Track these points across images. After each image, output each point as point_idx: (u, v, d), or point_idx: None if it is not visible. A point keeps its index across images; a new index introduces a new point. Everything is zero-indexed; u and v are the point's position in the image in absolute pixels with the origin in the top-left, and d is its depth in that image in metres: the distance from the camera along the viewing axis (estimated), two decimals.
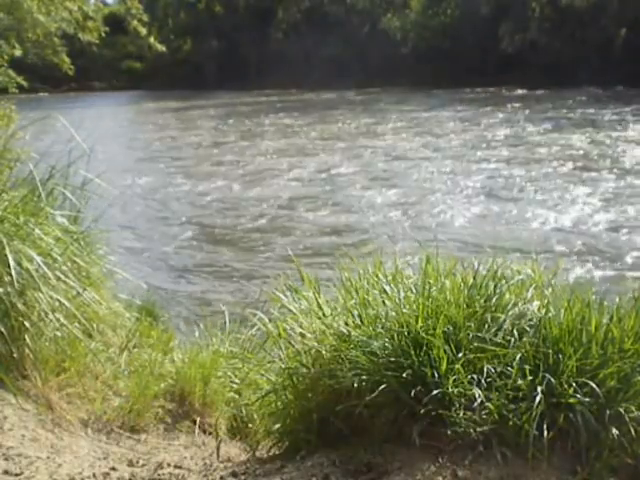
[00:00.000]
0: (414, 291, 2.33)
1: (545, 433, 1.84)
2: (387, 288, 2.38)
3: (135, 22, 12.43)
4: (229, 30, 49.86)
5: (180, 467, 2.48)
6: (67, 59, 12.07)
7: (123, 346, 3.28)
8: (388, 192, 13.05)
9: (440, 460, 1.90)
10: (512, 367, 1.99)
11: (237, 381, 3.25)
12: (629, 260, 8.53)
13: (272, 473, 2.18)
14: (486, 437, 1.90)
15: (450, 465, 1.87)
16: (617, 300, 2.21)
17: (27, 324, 2.59)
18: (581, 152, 16.66)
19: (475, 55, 41.07)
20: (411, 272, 2.53)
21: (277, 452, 2.46)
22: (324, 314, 2.40)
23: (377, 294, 2.37)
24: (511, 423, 1.89)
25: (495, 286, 2.31)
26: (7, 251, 2.52)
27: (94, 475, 2.18)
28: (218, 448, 2.72)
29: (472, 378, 1.98)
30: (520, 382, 1.95)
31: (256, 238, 10.42)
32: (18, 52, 10.90)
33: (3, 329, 2.51)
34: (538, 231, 10.04)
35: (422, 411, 1.96)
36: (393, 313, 2.20)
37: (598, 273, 8.00)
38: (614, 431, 1.86)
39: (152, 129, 26.06)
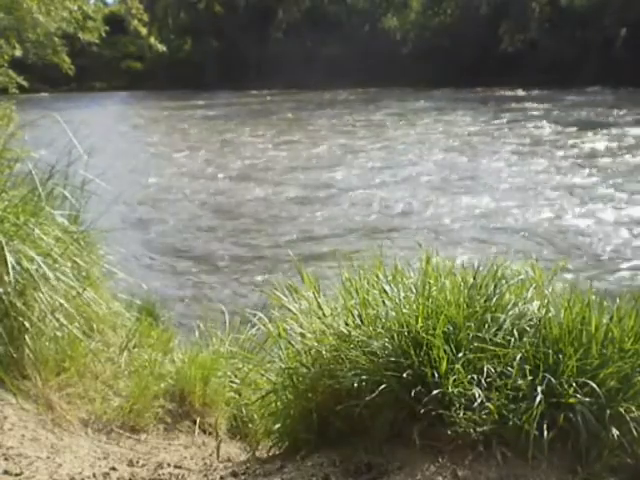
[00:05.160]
0: (414, 291, 2.33)
1: (545, 433, 1.84)
2: (387, 288, 2.38)
3: (136, 22, 12.41)
4: (229, 30, 49.80)
5: (180, 467, 2.49)
6: (67, 59, 12.06)
7: (123, 346, 3.27)
8: (388, 192, 13.06)
9: (440, 460, 1.90)
10: (512, 367, 1.99)
11: (237, 381, 3.25)
12: (630, 260, 8.53)
13: (272, 473, 2.18)
14: (486, 437, 1.90)
15: (450, 465, 1.86)
16: (617, 300, 2.21)
17: (27, 324, 2.59)
18: (581, 152, 16.66)
19: (475, 55, 41.00)
20: (411, 272, 2.53)
21: (277, 452, 2.46)
22: (324, 314, 2.40)
23: (377, 294, 2.36)
24: (511, 423, 1.89)
25: (495, 286, 2.31)
26: (6, 251, 2.51)
27: (94, 475, 2.18)
28: (218, 448, 2.72)
29: (472, 378, 1.98)
30: (520, 382, 1.95)
31: (257, 238, 10.42)
32: (18, 52, 10.89)
33: (3, 329, 2.51)
34: (540, 231, 10.04)
35: (422, 411, 1.96)
36: (393, 313, 2.20)
37: (599, 273, 8.01)
38: (614, 431, 1.86)
39: (153, 129, 26.05)
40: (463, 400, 1.94)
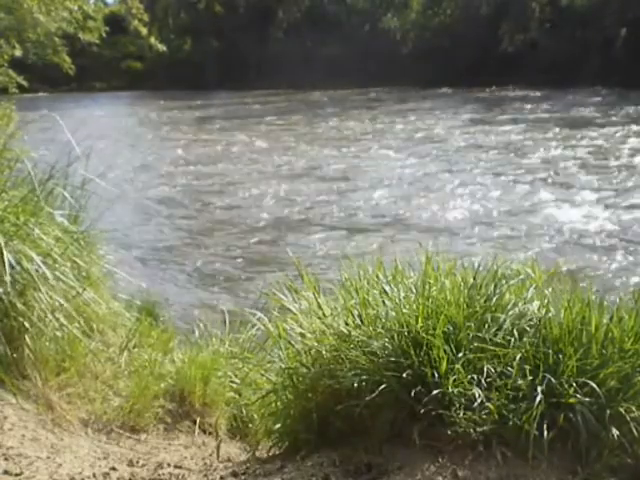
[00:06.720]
0: (414, 291, 2.33)
1: (545, 433, 1.84)
2: (387, 288, 2.38)
3: (136, 22, 12.41)
4: (229, 30, 49.76)
5: (180, 467, 2.49)
6: (68, 59, 12.07)
7: (123, 346, 3.27)
8: (387, 191, 13.07)
9: (440, 460, 1.90)
10: (512, 367, 1.99)
11: (237, 381, 3.25)
12: (629, 259, 8.54)
13: (272, 473, 2.18)
14: (486, 437, 1.90)
15: (450, 465, 1.86)
16: (617, 300, 2.21)
17: (27, 324, 2.59)
18: (581, 152, 16.65)
19: (475, 55, 40.96)
20: (411, 272, 2.53)
21: (277, 452, 2.46)
22: (324, 314, 2.40)
23: (377, 294, 2.36)
24: (511, 423, 1.89)
25: (495, 286, 2.31)
26: (6, 251, 2.51)
27: (94, 475, 2.18)
28: (218, 448, 2.72)
29: (472, 378, 1.98)
30: (520, 382, 1.95)
31: (257, 238, 10.42)
32: (18, 52, 10.89)
33: (3, 329, 2.51)
34: (539, 232, 10.05)
35: (422, 411, 1.96)
36: (393, 313, 2.20)
37: (599, 272, 8.01)
38: (614, 431, 1.86)
39: (153, 129, 26.06)
40: (463, 400, 1.94)
